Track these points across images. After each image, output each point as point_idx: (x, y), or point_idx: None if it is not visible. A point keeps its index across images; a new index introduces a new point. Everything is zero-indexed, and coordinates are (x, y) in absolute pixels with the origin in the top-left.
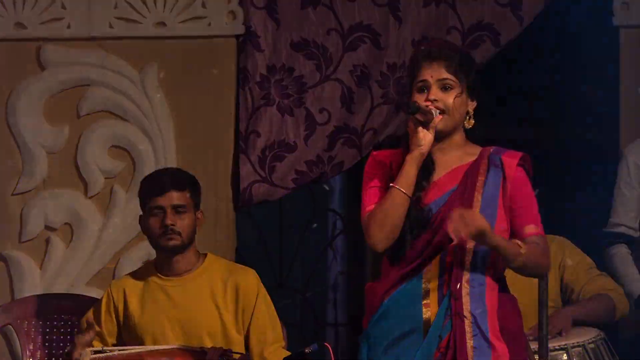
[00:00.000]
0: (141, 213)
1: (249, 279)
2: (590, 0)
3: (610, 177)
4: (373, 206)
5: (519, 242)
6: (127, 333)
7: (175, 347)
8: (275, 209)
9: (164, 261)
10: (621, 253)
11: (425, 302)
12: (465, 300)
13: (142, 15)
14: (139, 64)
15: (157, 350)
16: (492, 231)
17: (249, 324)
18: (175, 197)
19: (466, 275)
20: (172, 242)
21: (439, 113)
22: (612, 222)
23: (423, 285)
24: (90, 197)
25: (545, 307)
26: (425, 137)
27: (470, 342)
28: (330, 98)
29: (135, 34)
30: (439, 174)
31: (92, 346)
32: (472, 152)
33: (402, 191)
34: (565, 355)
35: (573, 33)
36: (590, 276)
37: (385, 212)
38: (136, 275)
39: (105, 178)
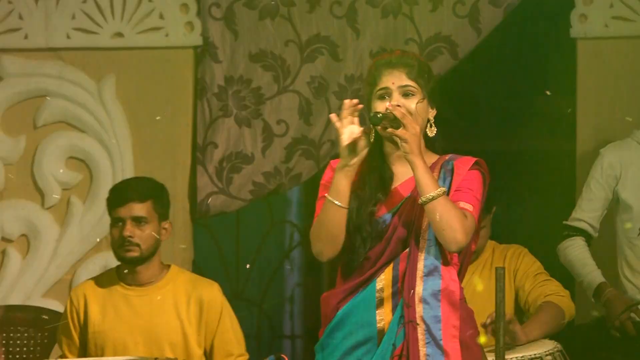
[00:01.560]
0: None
1: (214, 293)
2: (548, 12)
3: (566, 186)
4: None
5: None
6: (88, 340)
7: (131, 358)
8: (232, 220)
9: (128, 270)
10: (578, 244)
11: (379, 311)
12: (418, 308)
13: (100, 27)
14: (97, 75)
15: None
16: (425, 162)
17: (213, 338)
18: (135, 208)
19: (419, 283)
20: (129, 254)
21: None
22: (574, 216)
23: (377, 294)
24: (47, 209)
25: (502, 319)
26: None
27: (423, 350)
28: (288, 109)
29: (93, 45)
30: (394, 184)
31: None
32: (429, 161)
33: (335, 202)
34: None
35: (531, 44)
36: (536, 283)
37: (320, 223)
38: (98, 281)
39: (62, 189)
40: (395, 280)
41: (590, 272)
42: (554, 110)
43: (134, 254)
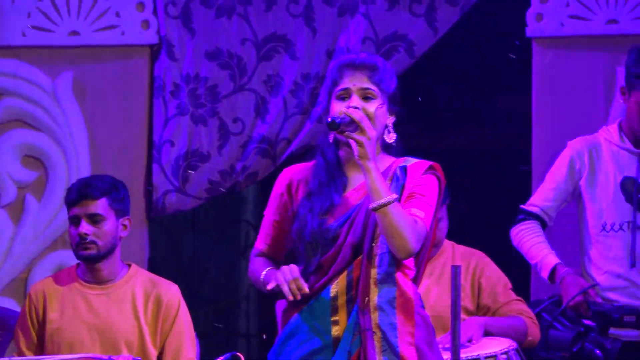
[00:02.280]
0: None
1: (172, 294)
2: (504, 11)
3: (522, 185)
4: (260, 246)
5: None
6: (45, 337)
7: (84, 356)
8: (188, 219)
9: (87, 268)
10: (533, 227)
11: (334, 318)
12: (374, 315)
13: (56, 24)
14: (53, 73)
15: (66, 359)
16: (378, 168)
17: (165, 339)
18: (90, 205)
19: (373, 290)
20: (86, 252)
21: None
22: (531, 201)
23: (331, 302)
24: (3, 207)
25: (457, 318)
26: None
27: (380, 357)
28: (244, 108)
29: (49, 43)
30: (347, 190)
31: None
32: (383, 165)
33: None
34: None
35: (487, 43)
36: (508, 299)
37: (252, 279)
38: (57, 279)
39: (18, 188)
40: (349, 287)
41: (546, 254)
42: (510, 109)
43: (91, 251)
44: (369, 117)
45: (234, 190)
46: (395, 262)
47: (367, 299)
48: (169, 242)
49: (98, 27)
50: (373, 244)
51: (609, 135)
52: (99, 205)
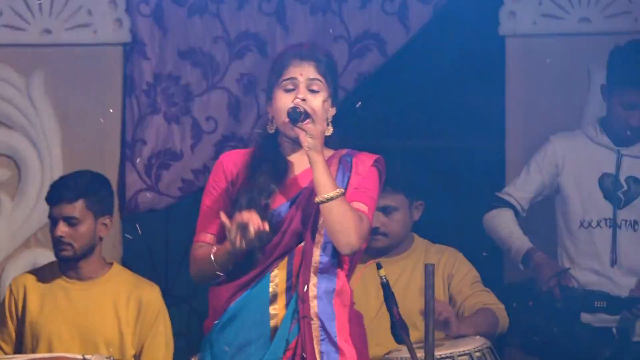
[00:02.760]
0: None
1: (154, 295)
2: (476, 10)
3: (495, 184)
4: (204, 237)
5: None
6: (24, 331)
7: (56, 355)
8: (161, 217)
9: (69, 265)
10: (506, 214)
11: (272, 306)
12: (313, 303)
13: (28, 23)
14: (25, 72)
15: (38, 358)
16: (325, 161)
17: (144, 341)
18: (65, 208)
19: (314, 278)
20: (62, 253)
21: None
22: (506, 190)
23: (270, 289)
24: None
25: (432, 315)
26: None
27: (317, 347)
28: (217, 106)
29: (21, 42)
30: (291, 174)
31: None
32: (326, 155)
33: (215, 270)
34: None
35: (460, 42)
36: (474, 291)
37: (198, 269)
38: (40, 273)
39: None
40: (289, 275)
41: (518, 238)
42: (483, 107)
43: (67, 253)
44: (315, 110)
45: None
46: (337, 254)
47: (306, 286)
48: (142, 241)
49: (70, 25)
50: (317, 232)
51: (589, 132)
52: (75, 208)
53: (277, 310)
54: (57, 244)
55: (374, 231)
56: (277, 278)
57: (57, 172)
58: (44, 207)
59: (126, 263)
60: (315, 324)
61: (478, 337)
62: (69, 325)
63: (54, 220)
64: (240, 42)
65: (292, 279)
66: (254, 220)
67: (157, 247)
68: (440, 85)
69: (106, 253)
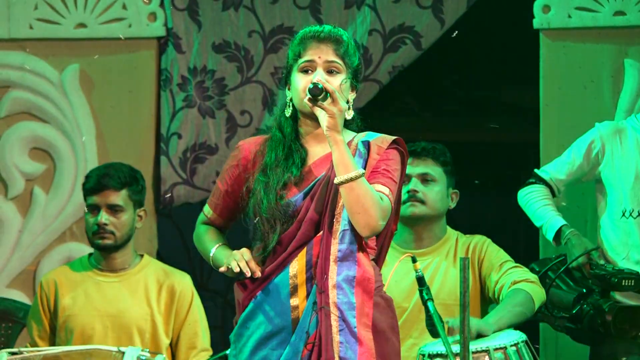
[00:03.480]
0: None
1: (185, 284)
2: (511, 3)
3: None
4: (210, 215)
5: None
6: (58, 326)
7: (92, 347)
8: (196, 211)
9: (101, 257)
10: (541, 190)
11: (293, 298)
12: (332, 294)
13: (63, 17)
14: (60, 66)
15: (73, 350)
16: (344, 142)
17: (180, 329)
18: (111, 196)
19: (333, 267)
20: (104, 241)
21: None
22: (545, 168)
23: (290, 281)
24: (10, 199)
25: (467, 309)
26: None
27: (336, 337)
28: (252, 100)
29: (56, 36)
30: (307, 163)
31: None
32: (346, 139)
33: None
34: (487, 357)
35: (494, 35)
36: (503, 271)
37: (198, 248)
38: (70, 267)
39: (26, 180)
40: (309, 266)
41: (552, 216)
42: (518, 101)
43: (108, 241)
44: (333, 89)
45: None
46: (357, 241)
47: (325, 276)
48: (177, 235)
49: (105, 19)
50: (334, 220)
51: (636, 123)
52: (120, 196)
53: (298, 302)
54: (99, 232)
55: (411, 195)
56: (297, 269)
57: (92, 166)
58: (79, 201)
59: (162, 256)
60: (334, 314)
61: (514, 330)
62: (102, 317)
63: (95, 209)
64: (274, 35)
65: (311, 269)
66: (247, 267)
67: (192, 241)
68: (475, 78)
69: (142, 246)
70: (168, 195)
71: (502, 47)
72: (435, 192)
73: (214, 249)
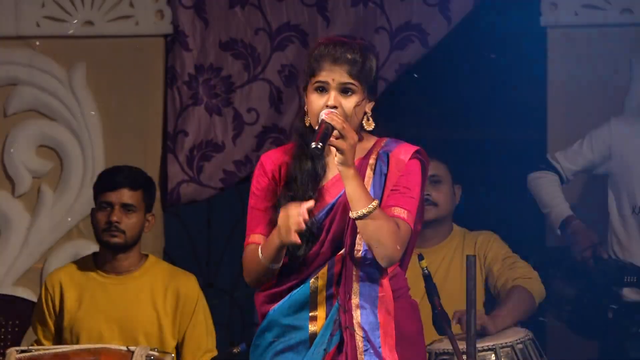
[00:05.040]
0: (94, 206)
1: (191, 285)
2: (518, 1)
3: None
4: (254, 238)
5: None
6: (63, 327)
7: (101, 346)
8: (203, 208)
9: (106, 258)
10: (551, 178)
11: (312, 313)
12: (356, 313)
13: (70, 15)
14: (67, 63)
15: (83, 349)
16: (358, 174)
17: (185, 331)
18: (126, 195)
19: (355, 287)
20: (114, 240)
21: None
22: (556, 156)
23: (310, 297)
24: (18, 197)
25: (473, 307)
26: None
27: (361, 357)
28: (259, 98)
29: (63, 33)
30: (327, 179)
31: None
32: (365, 147)
33: (272, 267)
34: (493, 355)
35: (501, 33)
36: (505, 267)
37: (250, 271)
38: (74, 268)
39: (33, 178)
40: (330, 283)
41: (559, 204)
42: (525, 98)
43: (118, 240)
44: (347, 114)
45: (248, 180)
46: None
47: (348, 296)
48: (184, 233)
49: (112, 17)
50: (356, 239)
51: None
52: (135, 197)
53: (317, 318)
54: (109, 230)
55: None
56: (317, 286)
57: (99, 164)
58: (86, 199)
59: (168, 255)
60: (358, 334)
61: (521, 328)
62: (108, 319)
63: (107, 206)
64: (281, 33)
65: (332, 287)
66: (302, 212)
67: (198, 239)
68: (482, 76)
69: (148, 244)
70: (175, 193)
71: (509, 44)
72: (444, 192)
73: (260, 246)
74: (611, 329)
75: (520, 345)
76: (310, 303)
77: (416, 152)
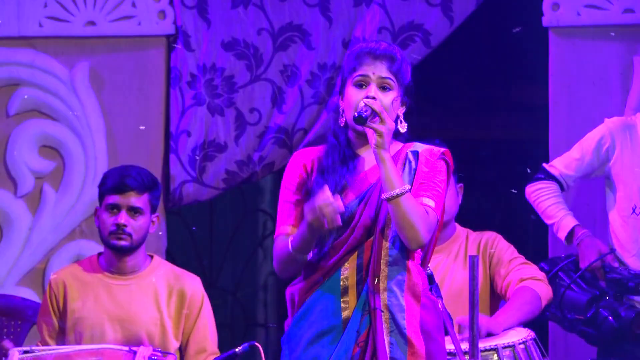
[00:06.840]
0: (98, 205)
1: (196, 287)
2: (520, 1)
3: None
4: (284, 229)
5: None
6: (67, 327)
7: (104, 346)
8: (205, 209)
9: (112, 259)
10: (552, 188)
11: (344, 299)
12: (383, 296)
13: (72, 15)
14: (69, 64)
15: (85, 350)
16: (391, 159)
17: (189, 333)
18: (134, 198)
19: (384, 271)
20: (120, 242)
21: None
22: (554, 163)
23: (341, 283)
24: (20, 197)
25: (475, 307)
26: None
27: (387, 338)
28: (261, 98)
29: (65, 34)
30: (359, 171)
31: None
32: (394, 149)
33: (303, 257)
34: (495, 355)
35: (503, 33)
36: (511, 268)
37: (280, 262)
38: (78, 268)
39: (35, 178)
40: (360, 269)
41: (564, 215)
42: (526, 99)
43: (125, 242)
44: (385, 108)
45: (251, 181)
46: (405, 246)
47: (377, 279)
48: (186, 233)
49: (114, 17)
50: (385, 226)
51: None
52: (142, 200)
53: (348, 302)
54: (116, 232)
55: None
56: (348, 272)
57: (102, 164)
58: (89, 199)
59: (171, 254)
60: (385, 315)
61: (523, 328)
62: (112, 319)
63: (114, 209)
64: (284, 33)
65: (362, 272)
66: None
67: (201, 239)
68: (484, 76)
69: (151, 245)
70: (177, 194)
71: (511, 44)
72: (449, 193)
73: (291, 237)
74: (625, 338)
75: (522, 346)
76: (341, 288)
77: (443, 153)
